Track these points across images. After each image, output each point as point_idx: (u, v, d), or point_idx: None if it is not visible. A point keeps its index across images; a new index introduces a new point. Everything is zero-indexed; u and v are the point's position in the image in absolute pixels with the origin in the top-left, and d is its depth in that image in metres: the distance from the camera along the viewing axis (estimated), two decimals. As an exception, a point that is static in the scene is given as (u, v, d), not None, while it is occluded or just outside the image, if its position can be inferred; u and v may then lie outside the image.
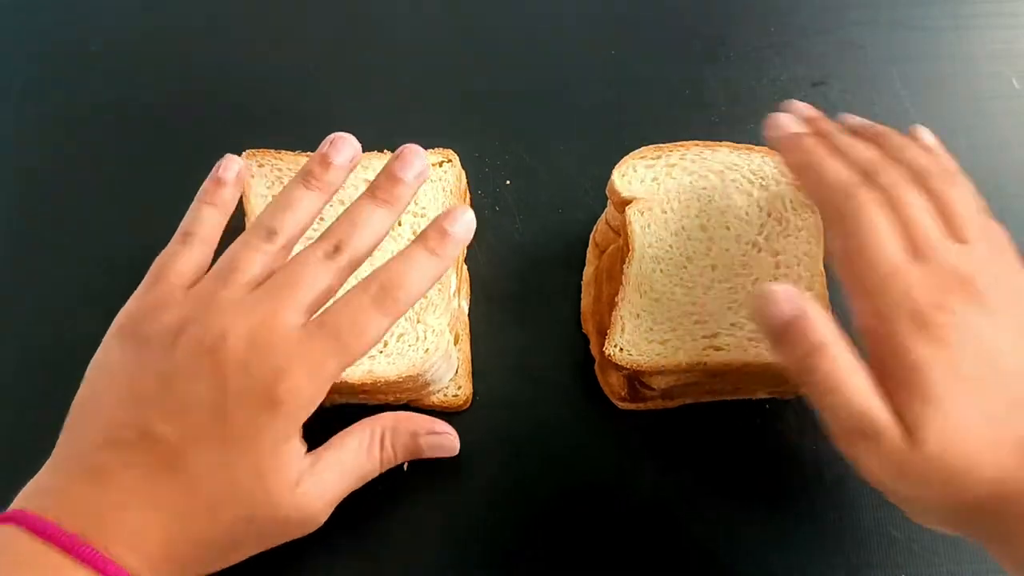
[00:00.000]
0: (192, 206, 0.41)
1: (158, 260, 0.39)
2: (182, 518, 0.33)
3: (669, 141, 0.49)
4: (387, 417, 0.42)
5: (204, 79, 0.57)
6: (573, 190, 0.53)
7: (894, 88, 0.55)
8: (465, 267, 0.50)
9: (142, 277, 0.51)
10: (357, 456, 0.40)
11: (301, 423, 0.35)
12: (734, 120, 0.53)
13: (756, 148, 0.47)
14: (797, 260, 0.45)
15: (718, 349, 0.43)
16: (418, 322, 0.45)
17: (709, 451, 0.46)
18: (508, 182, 0.53)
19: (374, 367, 0.44)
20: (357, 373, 0.43)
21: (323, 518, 0.38)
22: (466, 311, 0.50)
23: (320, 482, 0.37)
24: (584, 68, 0.56)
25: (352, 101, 0.56)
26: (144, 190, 0.54)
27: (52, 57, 0.57)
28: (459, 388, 0.48)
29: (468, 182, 0.51)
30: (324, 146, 0.41)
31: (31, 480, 0.34)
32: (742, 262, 0.45)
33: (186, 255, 0.39)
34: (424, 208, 0.48)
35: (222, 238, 0.42)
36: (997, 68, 0.55)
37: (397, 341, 0.45)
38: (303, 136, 0.51)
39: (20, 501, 0.33)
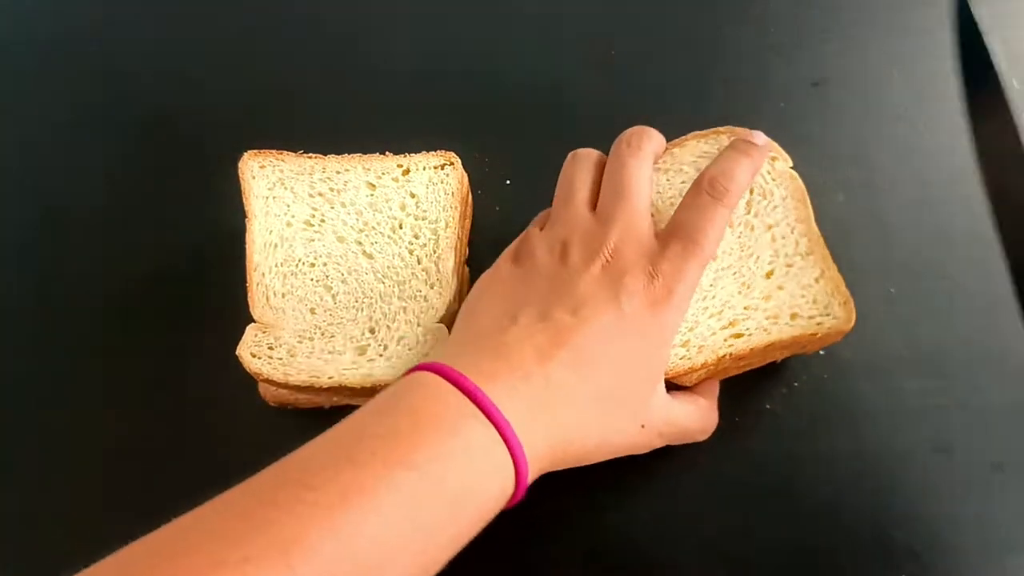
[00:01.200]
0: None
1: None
2: (567, 394, 0.37)
3: (668, 141, 0.49)
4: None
5: (205, 80, 0.57)
6: (573, 190, 0.53)
7: (894, 88, 0.55)
8: (466, 268, 0.50)
9: (143, 275, 0.52)
10: (705, 412, 0.45)
11: (676, 329, 0.41)
12: (734, 120, 0.53)
13: (721, 130, 0.48)
14: (791, 228, 0.45)
15: (739, 336, 0.43)
16: (418, 325, 0.45)
17: (709, 451, 0.46)
18: (508, 182, 0.54)
19: (374, 371, 0.44)
20: (357, 376, 0.43)
21: (656, 442, 0.42)
22: (466, 312, 0.50)
23: (669, 409, 0.42)
24: (584, 68, 0.56)
25: (353, 102, 0.56)
26: (145, 190, 0.54)
27: (52, 57, 0.57)
28: (459, 389, 0.48)
29: (469, 183, 0.51)
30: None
31: (436, 348, 0.42)
32: (740, 244, 0.45)
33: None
34: (425, 211, 0.48)
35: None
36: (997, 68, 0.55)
37: (397, 345, 0.45)
38: (304, 137, 0.51)
39: (429, 359, 0.38)
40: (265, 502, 0.31)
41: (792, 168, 0.47)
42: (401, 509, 0.32)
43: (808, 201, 0.46)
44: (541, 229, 0.44)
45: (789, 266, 0.45)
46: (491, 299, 0.41)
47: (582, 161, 0.45)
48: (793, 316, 0.44)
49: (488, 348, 0.38)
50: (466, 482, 0.34)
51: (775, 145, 0.48)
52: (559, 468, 0.39)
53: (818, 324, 0.43)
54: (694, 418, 0.44)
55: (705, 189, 0.42)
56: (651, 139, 0.45)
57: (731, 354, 0.43)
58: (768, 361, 0.48)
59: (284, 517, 0.30)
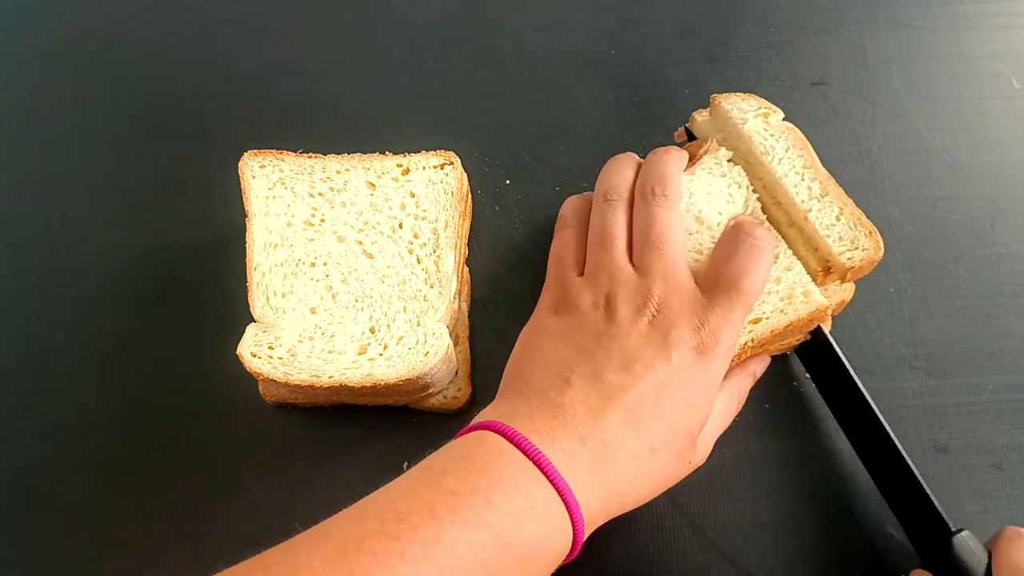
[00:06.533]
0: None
1: (553, 251, 0.46)
2: (622, 452, 0.38)
3: (668, 141, 0.49)
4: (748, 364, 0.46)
5: (205, 80, 0.57)
6: (573, 190, 0.53)
7: (894, 88, 0.55)
8: (466, 268, 0.50)
9: (143, 275, 0.52)
10: (729, 403, 0.44)
11: (724, 372, 0.41)
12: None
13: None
14: (801, 176, 0.46)
15: (757, 321, 0.43)
16: (418, 325, 0.45)
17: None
18: (508, 182, 0.54)
19: (374, 370, 0.44)
20: (357, 376, 0.43)
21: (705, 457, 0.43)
22: (466, 312, 0.50)
23: (712, 428, 0.43)
24: (584, 68, 0.56)
25: (353, 102, 0.56)
26: (146, 190, 0.54)
27: (52, 57, 0.57)
28: (459, 390, 0.48)
29: (468, 183, 0.51)
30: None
31: (489, 407, 0.40)
32: None
33: (572, 243, 0.45)
34: (426, 211, 0.48)
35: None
36: (997, 68, 0.55)
37: (397, 344, 0.45)
38: (304, 137, 0.51)
39: (489, 416, 0.39)
40: (353, 548, 0.32)
41: (785, 120, 0.48)
42: (477, 567, 0.33)
43: (810, 146, 0.47)
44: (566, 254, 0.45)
45: (808, 211, 0.45)
46: (540, 356, 0.41)
47: (612, 204, 0.44)
48: (806, 294, 0.44)
49: (543, 408, 0.38)
50: (533, 543, 0.35)
51: (762, 101, 0.48)
52: (610, 519, 0.39)
53: (848, 258, 0.44)
54: (725, 424, 0.45)
55: (745, 236, 0.42)
56: (673, 181, 0.44)
57: (753, 339, 0.43)
58: (794, 343, 0.47)
59: (376, 569, 0.32)
